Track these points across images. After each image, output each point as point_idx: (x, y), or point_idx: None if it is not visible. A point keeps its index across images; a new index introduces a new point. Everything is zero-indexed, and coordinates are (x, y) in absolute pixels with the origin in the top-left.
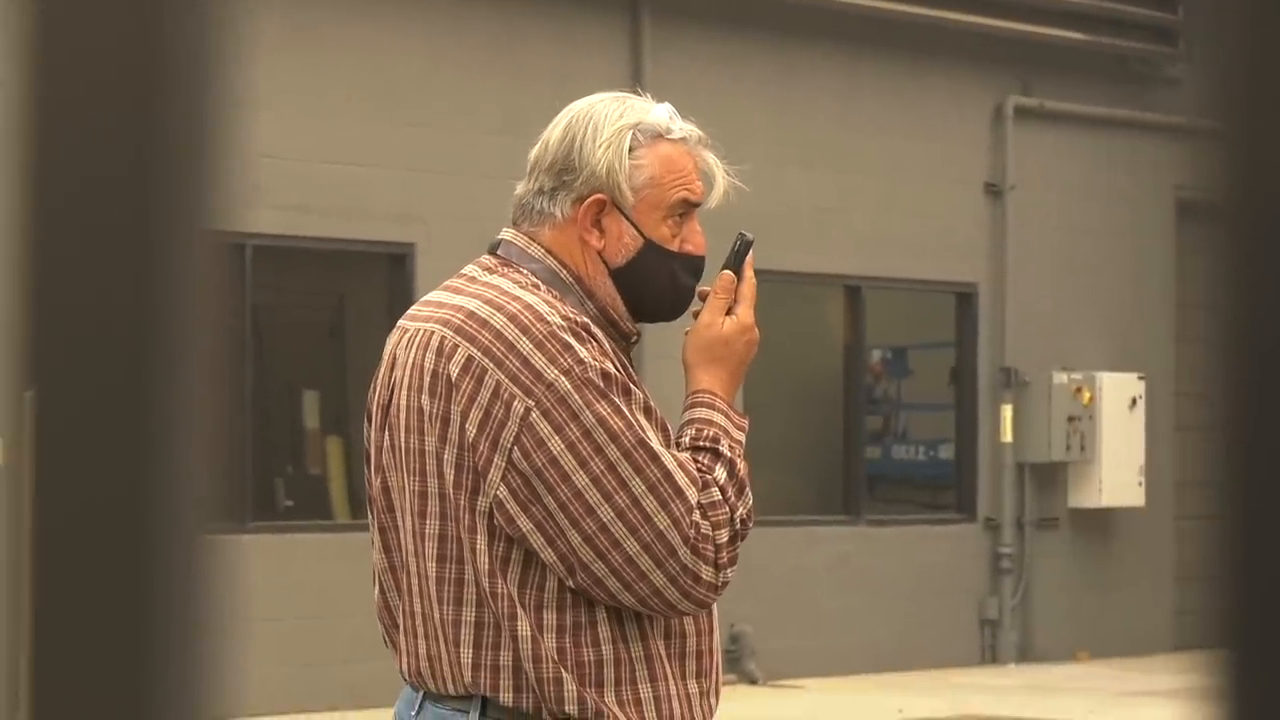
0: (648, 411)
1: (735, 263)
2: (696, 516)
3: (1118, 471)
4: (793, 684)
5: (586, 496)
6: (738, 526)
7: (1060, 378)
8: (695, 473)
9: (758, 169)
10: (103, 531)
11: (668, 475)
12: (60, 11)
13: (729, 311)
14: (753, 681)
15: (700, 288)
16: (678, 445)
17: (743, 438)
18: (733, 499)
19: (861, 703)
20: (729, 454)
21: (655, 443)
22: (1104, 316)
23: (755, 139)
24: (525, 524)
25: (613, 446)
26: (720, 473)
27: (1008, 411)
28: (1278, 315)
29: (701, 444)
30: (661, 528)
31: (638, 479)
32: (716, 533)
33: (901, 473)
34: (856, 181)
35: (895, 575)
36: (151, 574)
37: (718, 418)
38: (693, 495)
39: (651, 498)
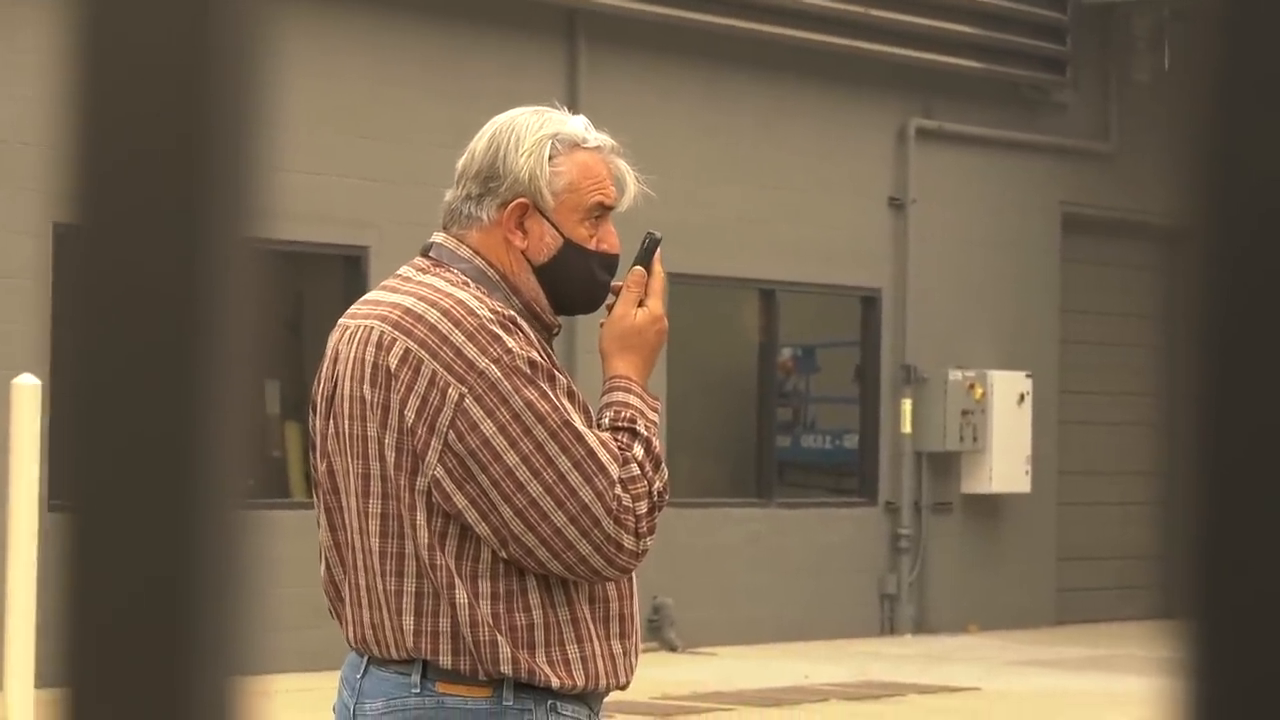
0: (570, 395)
1: (645, 259)
2: (618, 490)
3: (1006, 461)
4: (708, 651)
5: (517, 474)
6: (655, 499)
7: (955, 375)
8: (616, 450)
9: (683, 182)
10: (142, 508)
11: (591, 453)
12: (103, 20)
13: (640, 304)
14: (672, 648)
15: (614, 283)
16: (598, 426)
17: (656, 418)
18: (650, 473)
19: (771, 669)
20: (645, 433)
21: (579, 424)
22: (995, 319)
23: (681, 155)
24: (460, 501)
25: (540, 428)
26: (638, 450)
27: (907, 405)
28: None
29: (620, 424)
30: (586, 501)
31: (564, 457)
32: (636, 504)
33: (809, 460)
34: (773, 195)
35: (802, 553)
36: (190, 549)
37: (633, 400)
38: (614, 471)
39: (577, 474)
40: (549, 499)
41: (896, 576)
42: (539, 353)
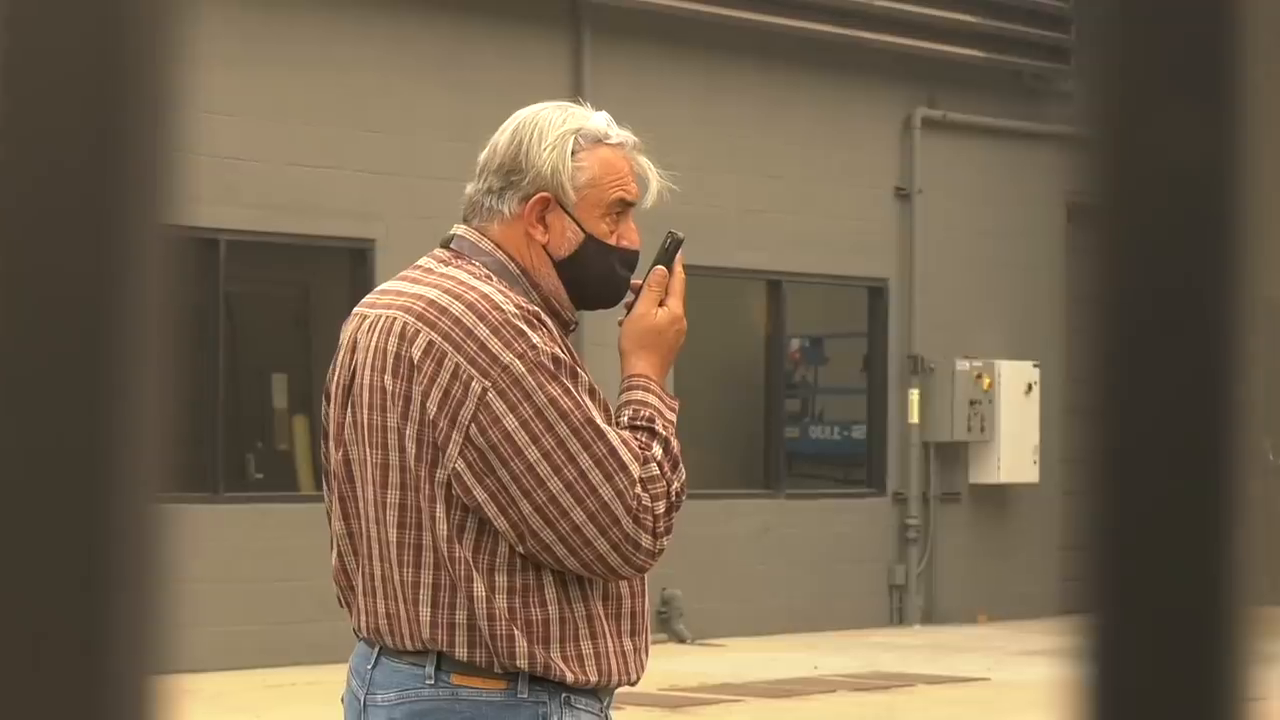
0: (592, 393)
1: (666, 259)
2: (638, 489)
3: (1014, 451)
4: (718, 643)
5: (537, 469)
6: (673, 499)
7: (963, 365)
8: (637, 449)
9: (688, 174)
10: (58, 501)
11: (612, 451)
12: (21, 14)
13: (660, 303)
14: (681, 640)
15: (634, 280)
16: (617, 424)
17: (674, 418)
18: (669, 473)
19: (779, 660)
20: (664, 432)
21: (600, 421)
22: (1002, 309)
23: (686, 146)
24: (480, 494)
25: (562, 424)
26: (657, 449)
27: (915, 395)
28: (1138, 305)
29: (639, 423)
30: (606, 499)
31: (585, 454)
32: (655, 504)
33: (817, 451)
34: (778, 186)
35: (811, 544)
36: (105, 542)
37: (652, 399)
38: (635, 469)
39: (597, 471)
40: (568, 495)
41: (905, 567)
42: (562, 349)
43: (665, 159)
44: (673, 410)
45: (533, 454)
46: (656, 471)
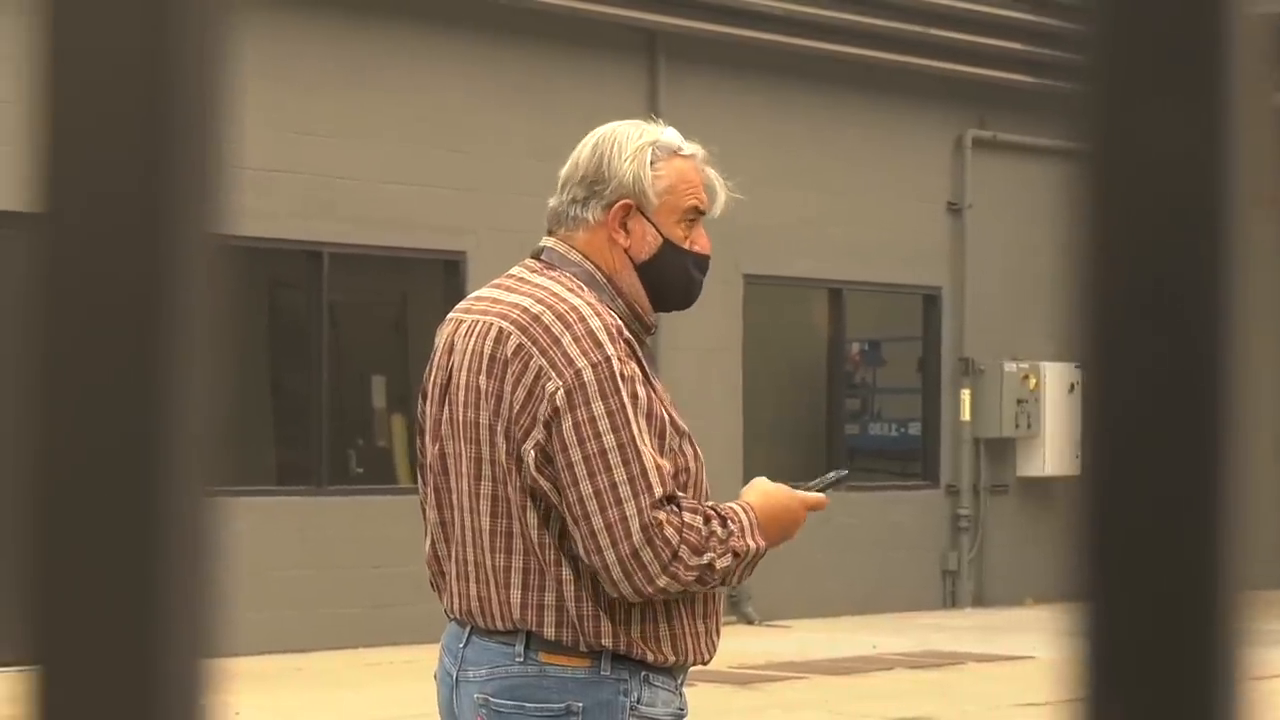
0: (650, 417)
1: (827, 485)
2: (661, 515)
3: (1058, 446)
4: (783, 624)
5: (577, 469)
6: (704, 566)
7: (1010, 367)
8: (669, 477)
9: (756, 190)
10: (112, 495)
11: (644, 472)
12: (70, 24)
13: (803, 508)
14: (750, 622)
15: (811, 487)
16: (703, 501)
17: (750, 547)
18: (715, 545)
19: (841, 640)
20: (733, 529)
21: (643, 444)
22: (1047, 315)
23: (753, 164)
24: (544, 482)
25: (610, 436)
26: (716, 525)
27: (966, 395)
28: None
29: (719, 513)
30: (627, 513)
31: (621, 469)
32: (680, 546)
33: (876, 446)
34: (840, 201)
35: (870, 533)
36: (158, 533)
37: (745, 519)
38: (658, 492)
39: (627, 487)
40: (595, 501)
41: (957, 554)
42: (635, 366)
43: (735, 176)
44: (757, 539)
45: (577, 454)
46: (703, 528)
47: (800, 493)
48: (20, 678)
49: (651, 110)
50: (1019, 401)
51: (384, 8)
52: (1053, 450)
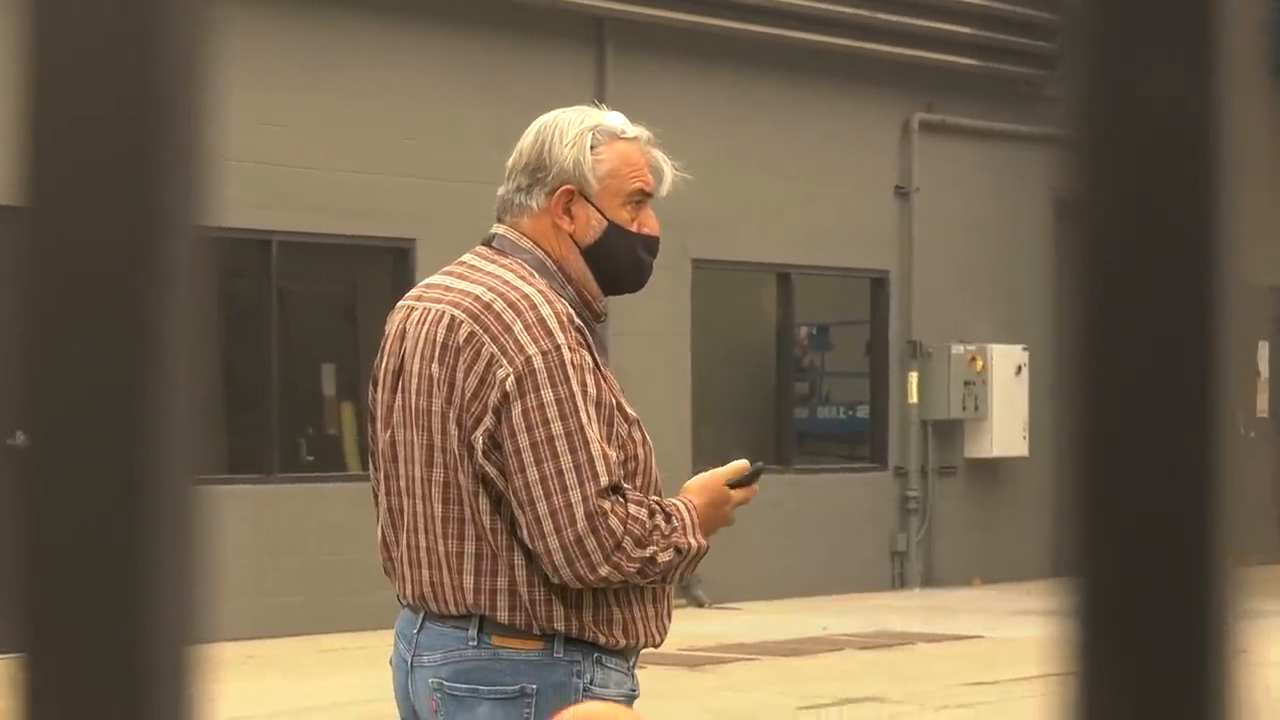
0: (599, 405)
1: (751, 479)
2: (606, 504)
3: (1006, 427)
4: (733, 606)
5: (524, 455)
6: (646, 559)
7: (958, 349)
8: (615, 466)
9: (704, 175)
10: (95, 481)
11: (591, 460)
12: (54, 19)
13: (733, 501)
14: (700, 605)
15: (741, 464)
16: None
17: (691, 545)
18: (658, 539)
19: (791, 622)
20: (676, 525)
21: (592, 432)
22: (994, 297)
23: (701, 149)
24: (491, 468)
25: (558, 423)
26: (660, 520)
27: (914, 377)
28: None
29: (664, 508)
30: (571, 500)
31: (568, 456)
32: (624, 537)
33: (825, 429)
34: (788, 185)
35: (819, 515)
36: (144, 519)
37: (687, 519)
38: (605, 480)
39: (573, 475)
40: (540, 487)
41: (905, 535)
42: (585, 354)
43: (684, 163)
44: (698, 543)
45: (524, 440)
46: (647, 521)
47: (731, 493)
48: (6, 664)
49: (599, 96)
50: (966, 384)
51: (337, 3)
52: (1000, 432)
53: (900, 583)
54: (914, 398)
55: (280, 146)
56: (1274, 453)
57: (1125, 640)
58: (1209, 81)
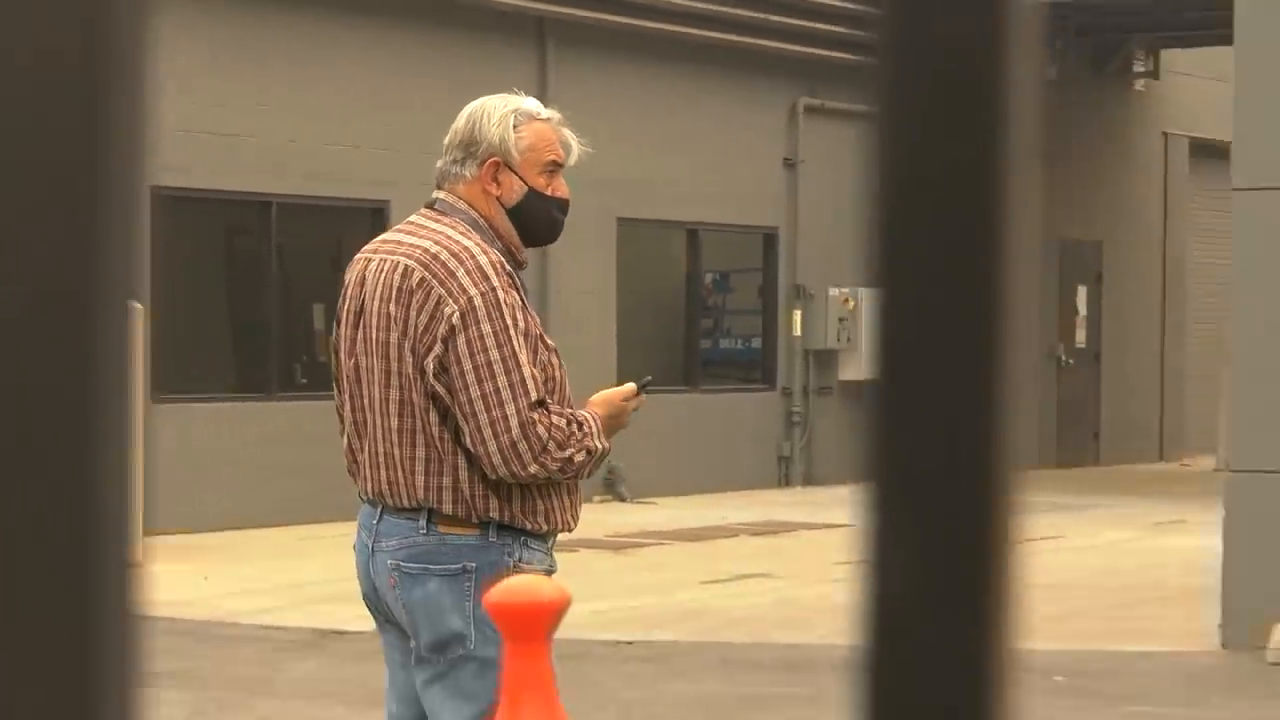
0: (526, 336)
1: (642, 389)
2: (534, 414)
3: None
4: (650, 501)
5: (468, 376)
6: (569, 456)
7: (834, 292)
8: (540, 385)
9: (629, 150)
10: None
11: (523, 381)
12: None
13: (626, 411)
14: (623, 500)
15: (632, 385)
16: (564, 408)
17: (598, 447)
18: (575, 443)
19: (697, 513)
20: (584, 433)
21: (522, 356)
22: (863, 250)
23: (626, 128)
24: (440, 388)
25: (494, 350)
26: (574, 429)
27: (798, 315)
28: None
29: (576, 418)
30: (507, 412)
31: (503, 377)
32: (549, 441)
33: (725, 357)
34: (696, 158)
35: (720, 427)
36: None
37: (593, 426)
38: (534, 396)
39: (507, 391)
40: (482, 402)
41: (790, 443)
42: (515, 295)
43: (613, 140)
44: (603, 444)
45: (468, 364)
46: (564, 429)
47: (625, 401)
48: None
49: (541, 84)
50: (840, 320)
51: (325, 5)
52: (868, 358)
53: (786, 482)
54: (798, 331)
55: (278, 126)
56: (1090, 376)
57: (912, 527)
58: (993, 26)
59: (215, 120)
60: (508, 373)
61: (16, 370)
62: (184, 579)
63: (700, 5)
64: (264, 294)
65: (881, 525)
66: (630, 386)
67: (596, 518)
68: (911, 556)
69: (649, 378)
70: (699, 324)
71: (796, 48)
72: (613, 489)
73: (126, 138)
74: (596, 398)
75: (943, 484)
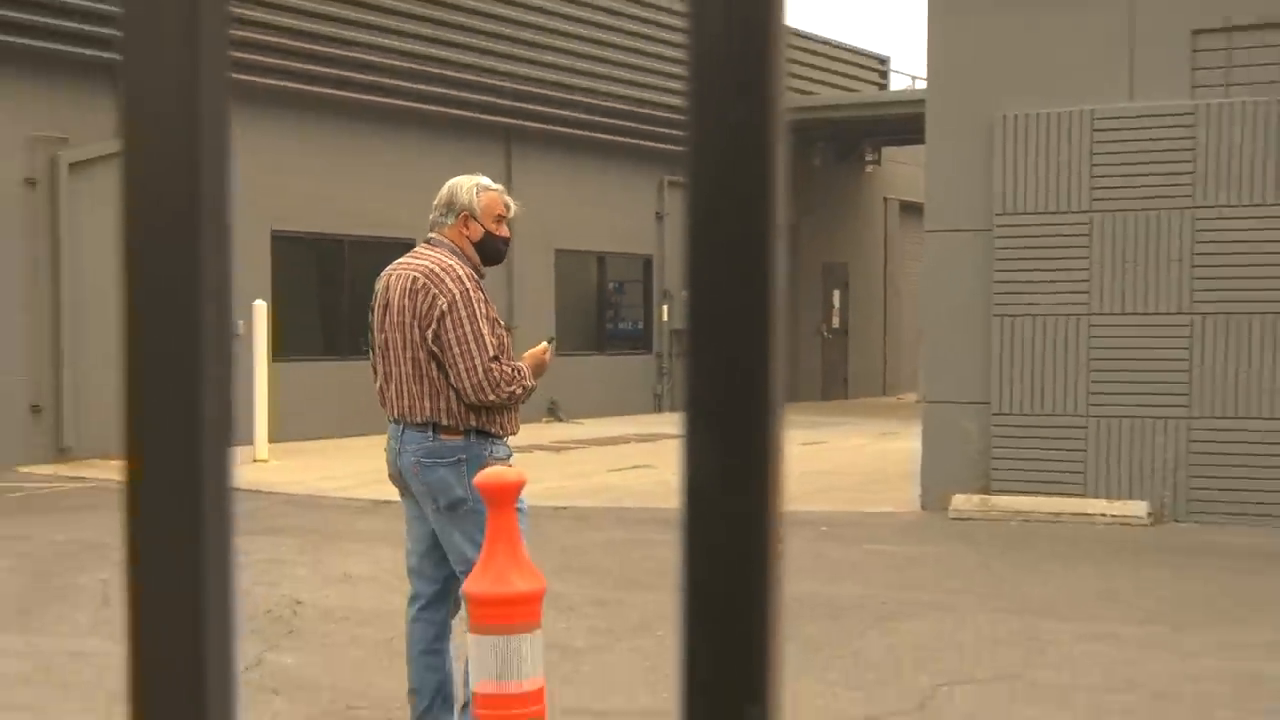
0: (486, 319)
1: (551, 347)
2: (490, 365)
3: None
4: (580, 421)
5: (454, 347)
6: (514, 390)
7: (685, 293)
8: (494, 351)
9: (563, 208)
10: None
11: (484, 346)
12: (137, 94)
13: (542, 363)
14: (560, 420)
15: (545, 345)
16: (507, 359)
17: (529, 384)
18: (513, 382)
19: (608, 429)
20: (521, 377)
21: (485, 331)
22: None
23: (561, 195)
24: (436, 349)
25: (467, 325)
26: (513, 373)
27: (665, 308)
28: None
29: (514, 369)
30: (476, 363)
31: (471, 345)
32: (500, 379)
33: (623, 334)
34: (603, 214)
35: (621, 376)
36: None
37: (526, 370)
38: (491, 353)
39: (476, 350)
40: (461, 362)
41: (661, 385)
42: (480, 294)
43: (549, 206)
44: (532, 380)
45: (452, 336)
46: (509, 373)
47: (542, 356)
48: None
49: (507, 170)
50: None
51: (377, 119)
52: (688, 336)
53: (659, 409)
54: (665, 318)
55: (348, 193)
56: (841, 344)
57: (711, 431)
58: (766, 114)
59: (309, 186)
60: (475, 338)
61: (165, 342)
62: (295, 470)
63: (606, 120)
64: (340, 297)
65: (695, 432)
66: (543, 345)
67: (543, 432)
68: (715, 453)
69: (553, 336)
70: (605, 313)
71: (662, 146)
72: (554, 414)
73: (217, 196)
74: (524, 355)
75: (735, 406)
